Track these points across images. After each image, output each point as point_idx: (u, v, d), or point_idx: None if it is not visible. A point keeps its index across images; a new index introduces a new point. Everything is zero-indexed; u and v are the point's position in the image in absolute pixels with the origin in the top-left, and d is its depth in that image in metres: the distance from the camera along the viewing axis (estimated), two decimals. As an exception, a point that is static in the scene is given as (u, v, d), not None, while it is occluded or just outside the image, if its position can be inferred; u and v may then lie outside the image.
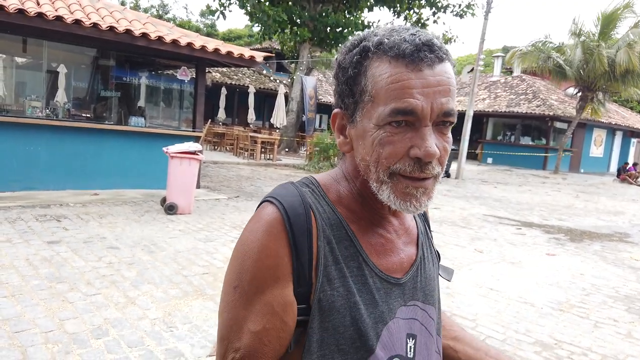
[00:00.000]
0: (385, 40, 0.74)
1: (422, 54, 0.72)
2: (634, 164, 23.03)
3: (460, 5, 18.89)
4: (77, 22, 7.05)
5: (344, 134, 0.82)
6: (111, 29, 7.36)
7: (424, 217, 1.00)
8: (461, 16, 19.02)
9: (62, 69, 9.22)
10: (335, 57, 0.83)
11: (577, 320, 4.28)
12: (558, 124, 24.40)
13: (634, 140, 29.86)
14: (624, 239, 8.46)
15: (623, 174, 21.83)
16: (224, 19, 18.28)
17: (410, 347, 0.83)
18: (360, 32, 0.82)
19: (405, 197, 0.76)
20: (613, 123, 26.02)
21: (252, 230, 0.77)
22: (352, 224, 0.81)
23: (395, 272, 0.84)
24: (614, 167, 28.04)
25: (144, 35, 7.69)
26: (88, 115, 9.60)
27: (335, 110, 0.83)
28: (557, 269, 5.97)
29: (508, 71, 30.83)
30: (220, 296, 0.79)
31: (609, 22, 20.47)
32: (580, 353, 3.62)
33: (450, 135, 0.78)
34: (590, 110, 21.64)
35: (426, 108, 0.71)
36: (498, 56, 31.69)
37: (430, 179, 0.76)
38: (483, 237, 7.44)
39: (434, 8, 18.75)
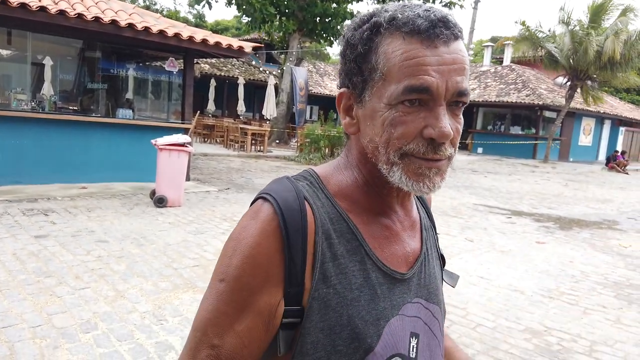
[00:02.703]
0: (399, 15, 0.70)
1: (438, 30, 0.69)
2: (622, 152, 23.24)
3: None
4: (62, 12, 6.92)
5: (350, 115, 0.78)
6: (96, 19, 7.23)
7: (429, 216, 0.95)
8: (449, 7, 18.97)
9: (47, 61, 9.08)
10: (343, 33, 0.78)
11: (566, 307, 4.31)
12: (547, 113, 24.51)
13: (622, 129, 30.10)
14: (613, 226, 8.54)
15: (612, 162, 22.02)
16: (210, 8, 18.10)
17: (413, 346, 0.79)
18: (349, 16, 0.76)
19: (418, 178, 0.72)
20: (602, 112, 26.19)
21: (244, 226, 0.72)
22: (355, 216, 0.77)
23: (400, 266, 0.79)
24: (602, 155, 28.30)
25: (130, 26, 7.57)
26: (75, 108, 9.49)
27: (342, 90, 0.79)
28: (546, 256, 6.01)
29: (498, 61, 30.89)
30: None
31: (598, 10, 20.55)
32: (569, 339, 3.65)
33: (462, 116, 0.74)
34: (590, 99, 21.74)
35: (441, 86, 0.68)
36: (488, 46, 31.72)
37: (443, 160, 0.73)
38: (473, 226, 7.47)
39: None
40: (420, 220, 0.89)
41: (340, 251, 0.73)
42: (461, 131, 0.74)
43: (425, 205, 0.96)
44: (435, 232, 0.96)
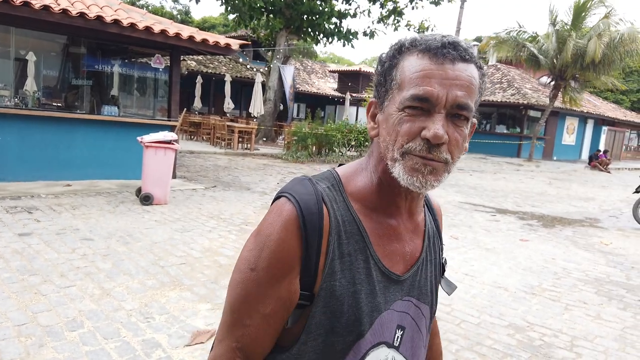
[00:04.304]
0: (419, 38, 0.84)
1: (445, 50, 0.81)
2: (605, 151, 23.62)
3: None
4: (46, 7, 6.83)
5: (374, 121, 0.91)
6: (81, 15, 7.15)
7: (437, 228, 1.05)
8: (437, 4, 19.04)
9: (31, 57, 8.95)
10: (380, 54, 0.92)
11: (548, 304, 4.39)
12: (532, 113, 24.81)
13: (604, 128, 30.58)
14: (594, 224, 8.70)
15: (594, 161, 22.37)
16: (197, 2, 17.87)
17: (398, 337, 0.91)
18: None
19: (412, 173, 0.81)
20: (585, 112, 26.58)
21: (272, 223, 0.84)
22: (365, 217, 0.88)
23: (398, 267, 0.91)
24: (585, 154, 28.71)
25: (116, 22, 7.50)
26: (59, 105, 9.36)
27: (371, 100, 0.92)
28: (530, 254, 6.11)
29: (483, 60, 31.15)
30: (235, 270, 0.87)
31: (580, 12, 20.83)
32: (551, 335, 3.72)
33: (465, 130, 0.84)
34: (568, 100, 22.08)
35: (441, 97, 0.79)
36: (473, 45, 31.96)
37: (440, 163, 0.82)
38: (459, 224, 7.55)
39: None
40: (426, 228, 0.99)
41: (348, 250, 0.85)
42: (462, 143, 0.84)
43: (434, 218, 1.06)
44: (441, 242, 1.07)
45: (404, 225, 0.93)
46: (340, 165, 0.98)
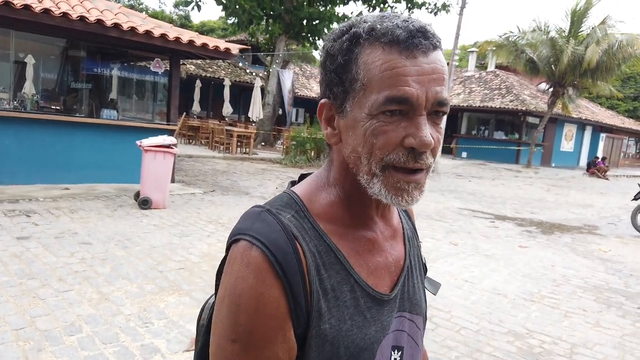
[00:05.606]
0: (378, 26, 0.71)
1: (416, 40, 0.69)
2: (603, 158, 23.68)
3: (435, 4, 18.99)
4: (46, 11, 6.83)
5: (331, 126, 0.78)
6: (82, 18, 7.15)
7: (413, 225, 0.97)
8: (435, 14, 19.13)
9: (30, 60, 8.96)
10: (323, 44, 0.78)
11: (548, 311, 4.39)
12: (530, 119, 24.89)
13: (602, 135, 30.67)
14: (593, 231, 8.71)
15: (593, 168, 22.43)
16: (199, 10, 17.90)
17: (395, 359, 0.82)
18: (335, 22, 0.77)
19: (397, 192, 0.72)
20: (583, 118, 26.68)
21: (239, 277, 0.69)
22: (340, 239, 0.78)
23: (384, 283, 0.81)
24: (583, 161, 28.78)
25: (116, 26, 7.51)
26: (58, 108, 9.38)
27: (323, 101, 0.78)
28: (529, 260, 6.10)
29: (482, 66, 31.27)
30: (212, 347, 0.72)
31: (577, 18, 20.94)
32: (550, 342, 3.71)
33: (443, 126, 0.76)
34: (560, 105, 22.22)
35: (421, 96, 0.69)
36: (472, 51, 32.07)
37: (423, 171, 0.73)
38: (458, 230, 7.55)
39: (409, 4, 18.80)
40: (403, 230, 0.91)
41: (330, 284, 0.74)
42: (442, 141, 0.75)
43: (408, 216, 0.97)
44: (418, 240, 0.97)
45: (382, 234, 0.83)
46: (301, 178, 0.85)
